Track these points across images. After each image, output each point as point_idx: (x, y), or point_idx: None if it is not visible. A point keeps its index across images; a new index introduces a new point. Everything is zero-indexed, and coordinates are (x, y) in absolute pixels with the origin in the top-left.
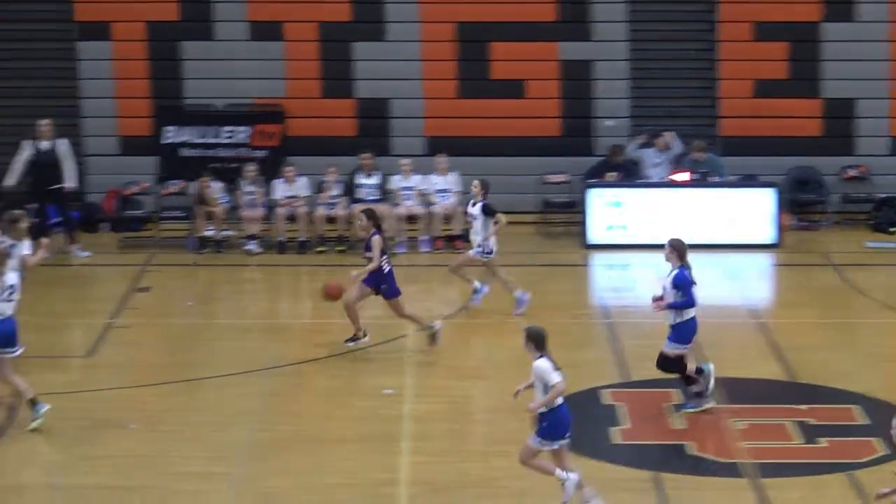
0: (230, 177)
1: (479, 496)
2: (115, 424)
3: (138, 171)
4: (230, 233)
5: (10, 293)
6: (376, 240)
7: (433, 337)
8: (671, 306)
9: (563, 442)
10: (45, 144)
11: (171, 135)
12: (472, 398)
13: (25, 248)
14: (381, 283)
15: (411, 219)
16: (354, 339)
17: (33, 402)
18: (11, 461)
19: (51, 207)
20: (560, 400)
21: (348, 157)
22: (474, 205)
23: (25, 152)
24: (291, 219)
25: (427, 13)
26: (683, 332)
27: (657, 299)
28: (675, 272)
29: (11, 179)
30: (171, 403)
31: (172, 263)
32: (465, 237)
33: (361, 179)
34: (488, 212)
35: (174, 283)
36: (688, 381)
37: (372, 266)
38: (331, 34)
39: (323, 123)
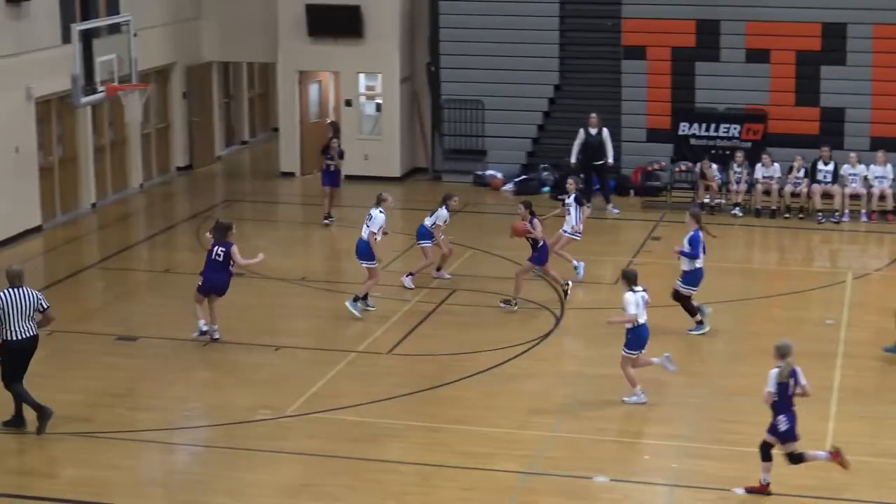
0: (724, 160)
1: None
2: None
3: (658, 153)
4: (721, 201)
5: None
6: (536, 223)
7: (565, 292)
8: (682, 254)
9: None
10: (593, 131)
11: (684, 128)
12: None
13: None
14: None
15: (854, 197)
16: (508, 302)
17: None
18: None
19: (594, 178)
20: (642, 320)
21: (811, 150)
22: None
23: (580, 137)
24: (767, 193)
25: (879, 45)
26: (692, 278)
27: (677, 250)
28: (692, 233)
29: (571, 157)
30: (668, 321)
31: (678, 221)
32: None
33: (820, 166)
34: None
35: (678, 234)
36: (691, 312)
37: (538, 234)
38: (805, 59)
39: (794, 124)
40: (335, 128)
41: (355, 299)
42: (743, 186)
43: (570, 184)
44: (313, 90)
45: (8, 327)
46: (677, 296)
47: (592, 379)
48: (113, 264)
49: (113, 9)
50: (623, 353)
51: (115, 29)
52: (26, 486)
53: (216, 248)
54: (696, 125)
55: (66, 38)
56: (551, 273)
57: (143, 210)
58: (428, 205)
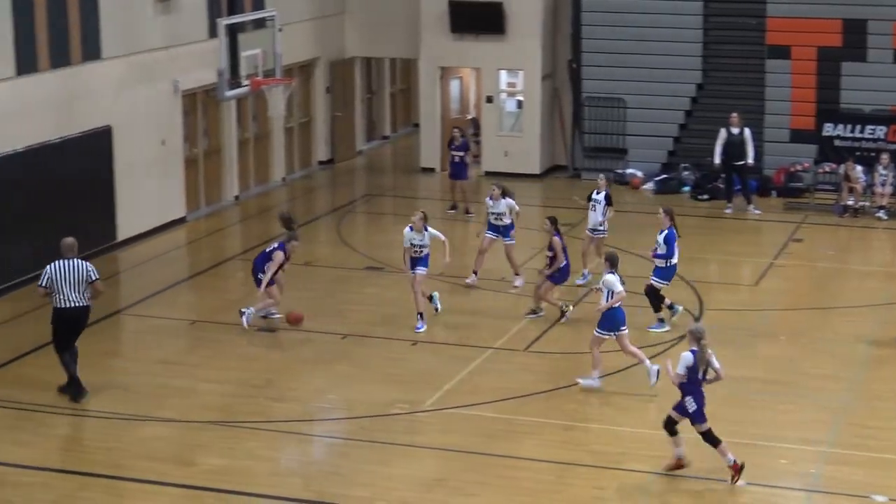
0: (869, 162)
1: None
2: (768, 335)
3: (802, 154)
4: (865, 204)
5: None
6: (556, 241)
7: (562, 314)
8: (657, 256)
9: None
10: (734, 130)
11: (829, 129)
12: None
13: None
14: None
15: None
16: (534, 312)
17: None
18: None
19: (735, 177)
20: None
21: None
22: None
23: (721, 136)
24: None
25: None
26: (666, 273)
27: (652, 253)
28: (666, 231)
29: (715, 158)
30: (809, 324)
31: (821, 223)
32: None
33: None
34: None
35: (820, 236)
36: (656, 307)
37: (557, 264)
38: None
39: None
40: (475, 124)
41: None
42: (888, 189)
43: (602, 182)
44: (454, 86)
45: (59, 296)
46: (650, 290)
47: (729, 380)
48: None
49: (258, 4)
50: (595, 332)
51: (260, 24)
52: (167, 473)
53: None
54: (840, 126)
55: (213, 33)
56: (552, 298)
57: (285, 203)
58: (566, 203)
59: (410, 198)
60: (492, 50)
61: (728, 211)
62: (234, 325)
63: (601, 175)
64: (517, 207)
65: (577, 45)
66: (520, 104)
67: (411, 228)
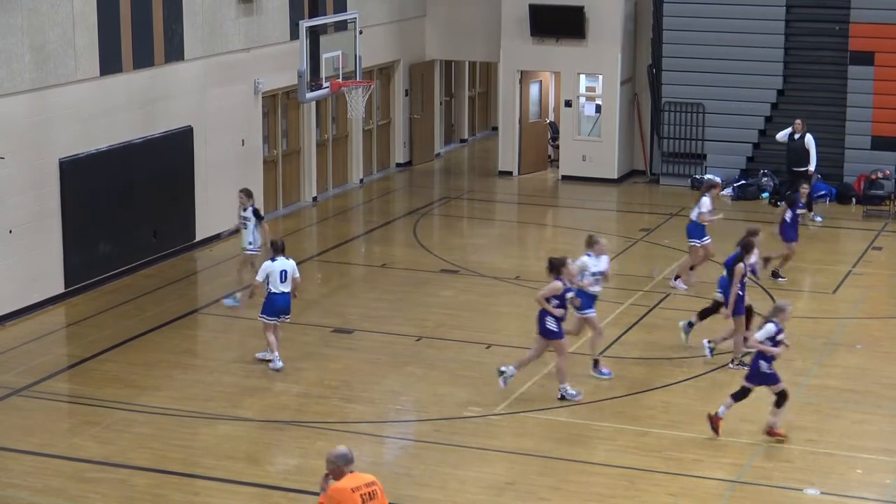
0: None
1: None
2: (846, 343)
3: (883, 161)
4: None
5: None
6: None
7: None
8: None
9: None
10: (796, 136)
11: None
12: None
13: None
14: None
15: None
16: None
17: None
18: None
19: (818, 184)
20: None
21: None
22: None
23: (781, 137)
24: None
25: None
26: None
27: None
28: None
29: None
30: (887, 333)
31: None
32: None
33: None
34: None
35: None
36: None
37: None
38: None
39: None
40: (553, 128)
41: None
42: None
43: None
44: (533, 90)
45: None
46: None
47: (807, 389)
48: (331, 257)
49: (340, 6)
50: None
51: (341, 26)
52: (240, 472)
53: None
54: None
55: (294, 35)
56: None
57: (362, 204)
58: (643, 208)
59: (487, 201)
60: (572, 54)
61: (818, 219)
62: (313, 326)
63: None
64: None
65: (657, 51)
66: (598, 108)
67: (591, 255)
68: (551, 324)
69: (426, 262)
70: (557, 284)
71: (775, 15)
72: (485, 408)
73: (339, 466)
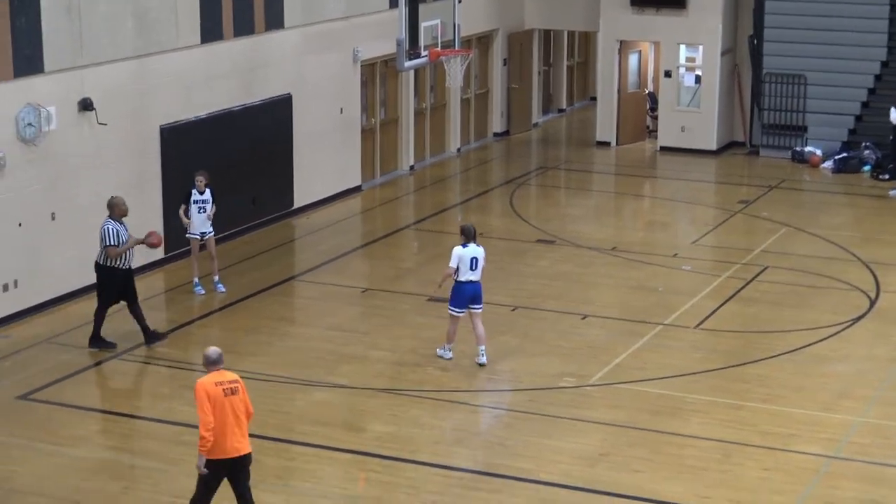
0: None
1: None
2: None
3: None
4: None
5: None
6: None
7: None
8: None
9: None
10: None
11: None
12: None
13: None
14: None
15: None
16: None
17: None
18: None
19: None
20: (463, 277)
21: None
22: None
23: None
24: None
25: None
26: None
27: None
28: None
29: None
30: None
31: None
32: None
33: None
34: None
35: None
36: None
37: None
38: None
39: None
40: (652, 98)
41: None
42: None
43: None
44: (632, 60)
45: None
46: None
47: None
48: (427, 226)
49: None
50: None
51: None
52: (335, 438)
53: None
54: None
55: (393, 3)
56: None
57: (459, 174)
58: (742, 179)
59: (585, 171)
60: (672, 24)
61: None
62: (405, 294)
63: None
64: None
65: (758, 21)
66: (698, 79)
67: None
68: None
69: (522, 231)
70: None
71: None
72: (579, 378)
73: (206, 365)
